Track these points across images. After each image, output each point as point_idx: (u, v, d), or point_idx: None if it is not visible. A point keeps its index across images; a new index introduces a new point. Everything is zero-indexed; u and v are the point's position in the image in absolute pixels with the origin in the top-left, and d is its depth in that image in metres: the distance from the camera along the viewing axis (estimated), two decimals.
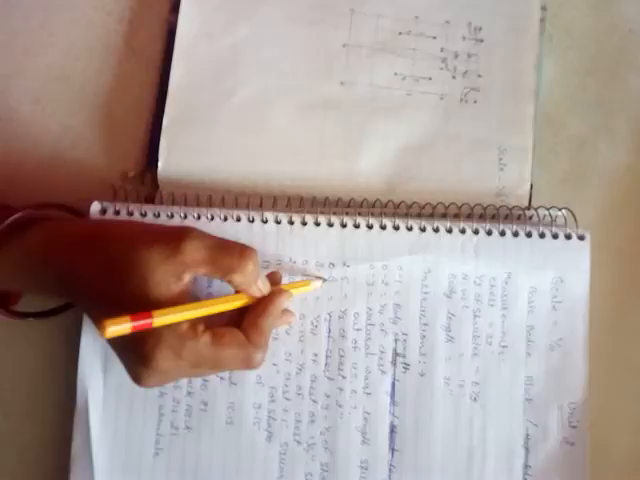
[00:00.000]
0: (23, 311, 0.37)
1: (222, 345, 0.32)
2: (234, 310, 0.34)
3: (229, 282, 0.33)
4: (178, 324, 0.31)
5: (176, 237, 0.32)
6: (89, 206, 0.38)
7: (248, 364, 0.33)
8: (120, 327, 0.29)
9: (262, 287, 0.34)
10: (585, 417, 0.38)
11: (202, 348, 0.32)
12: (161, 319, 0.30)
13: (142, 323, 0.30)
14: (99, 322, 0.29)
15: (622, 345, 0.39)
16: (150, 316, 0.30)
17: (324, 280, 0.38)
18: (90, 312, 0.34)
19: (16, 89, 0.41)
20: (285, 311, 0.36)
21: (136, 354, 0.32)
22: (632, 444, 0.38)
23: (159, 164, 0.40)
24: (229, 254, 0.32)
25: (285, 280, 0.38)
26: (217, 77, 0.41)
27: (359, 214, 0.39)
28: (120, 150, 0.41)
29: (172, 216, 0.39)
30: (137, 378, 0.32)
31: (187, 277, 0.32)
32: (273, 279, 0.36)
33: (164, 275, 0.31)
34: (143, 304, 0.31)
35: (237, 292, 0.34)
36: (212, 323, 0.33)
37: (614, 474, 0.38)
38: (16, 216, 0.35)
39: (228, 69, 0.41)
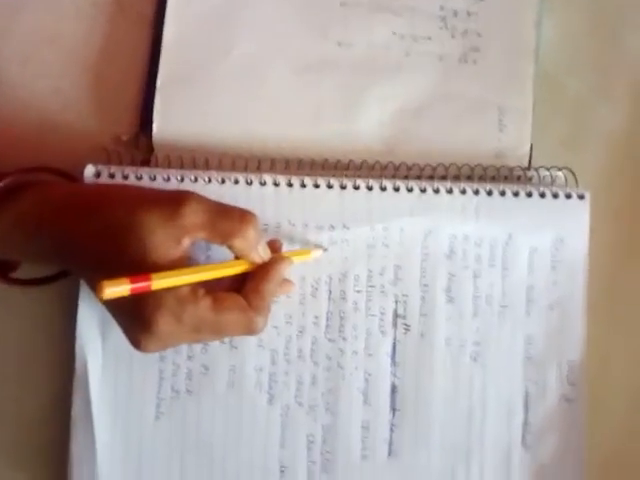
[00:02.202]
0: (19, 278, 0.33)
1: (223, 309, 0.29)
2: (235, 276, 0.31)
3: (229, 247, 0.30)
4: (178, 288, 0.28)
5: (175, 201, 0.29)
6: (82, 170, 0.34)
7: (250, 329, 0.30)
8: (118, 288, 0.26)
9: (263, 253, 0.31)
10: (583, 375, 0.35)
11: (203, 312, 0.29)
12: (160, 282, 0.27)
13: (141, 285, 0.27)
14: (97, 284, 0.26)
15: (620, 304, 0.37)
16: (149, 278, 0.27)
17: (324, 249, 0.34)
18: (87, 277, 0.31)
19: (3, 51, 0.36)
20: (285, 280, 0.33)
21: (135, 318, 0.29)
22: (629, 401, 0.36)
23: (154, 126, 0.36)
24: (229, 218, 0.29)
25: (285, 248, 0.34)
26: (211, 36, 0.36)
27: (359, 176, 0.35)
28: (112, 113, 0.36)
29: (168, 179, 0.34)
30: (137, 343, 0.29)
31: (186, 242, 0.29)
32: (273, 247, 0.33)
33: (163, 239, 0.28)
34: (141, 268, 0.28)
35: (237, 258, 0.31)
36: (212, 289, 0.30)
37: (611, 430, 0.35)
38: (7, 180, 0.31)
39: (222, 28, 0.36)
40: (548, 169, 0.36)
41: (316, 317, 0.35)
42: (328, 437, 0.35)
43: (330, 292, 0.35)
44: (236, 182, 0.35)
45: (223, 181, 0.35)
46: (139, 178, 0.35)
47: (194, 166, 0.36)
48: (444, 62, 0.37)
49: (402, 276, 0.35)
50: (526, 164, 0.37)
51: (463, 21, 0.38)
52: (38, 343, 0.36)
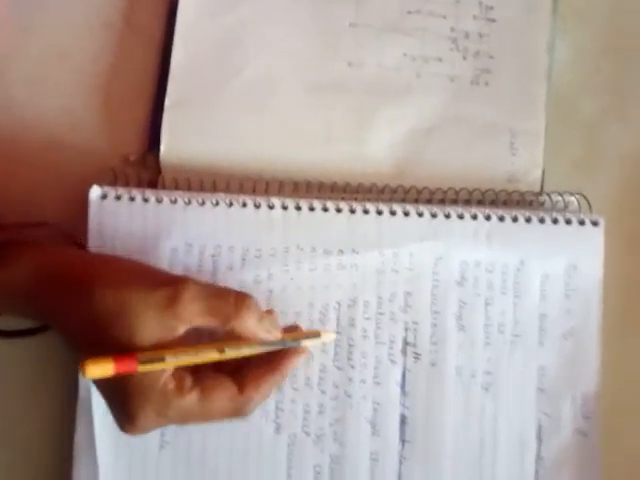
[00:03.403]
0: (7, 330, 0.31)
1: (211, 401, 0.27)
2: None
3: (231, 332, 0.27)
4: (164, 382, 0.26)
5: (172, 288, 0.26)
6: (88, 191, 0.31)
7: (237, 415, 0.28)
8: (102, 369, 0.25)
9: (271, 329, 0.28)
10: (598, 408, 0.32)
11: (189, 406, 0.27)
12: (146, 366, 0.25)
13: (125, 366, 0.25)
14: (80, 362, 0.24)
15: (635, 333, 0.34)
16: (134, 359, 0.25)
17: (336, 333, 0.32)
18: (75, 350, 0.28)
19: (12, 70, 0.34)
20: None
21: (121, 409, 0.27)
22: None
23: (161, 147, 0.33)
24: (225, 304, 0.27)
25: (293, 272, 0.32)
26: (220, 57, 0.34)
27: (368, 199, 0.32)
28: (121, 133, 0.34)
29: (175, 201, 0.32)
30: (121, 428, 0.27)
31: (182, 330, 0.27)
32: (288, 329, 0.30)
33: (157, 327, 0.26)
34: (130, 350, 0.26)
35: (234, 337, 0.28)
36: (201, 371, 0.27)
37: (627, 465, 0.33)
38: (0, 236, 0.29)
39: (231, 49, 0.34)
40: (561, 194, 0.34)
41: (324, 344, 0.33)
42: (336, 468, 0.32)
43: (339, 319, 0.33)
44: (244, 205, 0.33)
45: (231, 204, 0.33)
46: (146, 200, 0.33)
47: (201, 188, 0.34)
48: (455, 84, 0.35)
49: (412, 303, 0.33)
50: (538, 189, 0.34)
51: (475, 42, 0.35)
52: (40, 367, 0.33)
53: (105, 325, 0.26)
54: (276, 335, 0.29)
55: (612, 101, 0.35)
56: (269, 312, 0.30)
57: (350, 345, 0.33)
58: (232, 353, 0.28)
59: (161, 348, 0.26)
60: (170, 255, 0.33)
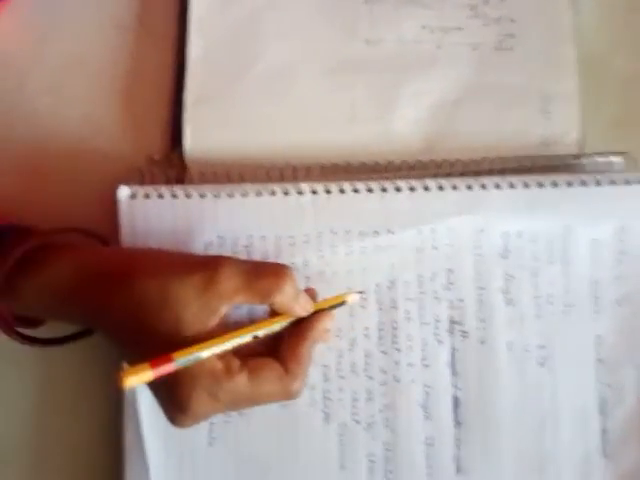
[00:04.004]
0: (37, 337, 0.30)
1: (260, 381, 0.26)
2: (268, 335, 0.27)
3: (270, 306, 0.27)
4: (212, 364, 0.25)
5: (209, 268, 0.26)
6: (116, 192, 0.30)
7: (287, 396, 0.27)
8: (140, 377, 0.24)
9: (306, 305, 0.28)
10: None
11: (240, 388, 0.26)
12: (184, 360, 0.24)
13: (164, 369, 0.24)
14: (123, 369, 0.24)
15: None
16: (171, 359, 0.24)
17: (362, 293, 0.31)
18: (117, 347, 0.28)
19: (31, 81, 0.33)
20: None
21: (171, 399, 0.25)
22: None
23: (185, 143, 0.32)
24: (265, 276, 0.26)
25: (327, 258, 0.31)
26: (236, 48, 0.33)
27: (399, 177, 0.30)
28: (143, 133, 0.33)
29: (204, 195, 0.31)
30: (173, 421, 0.26)
31: (224, 309, 0.26)
32: (309, 296, 0.29)
33: (199, 310, 0.25)
34: (178, 343, 0.25)
35: (273, 315, 0.28)
36: (245, 354, 0.26)
37: None
38: (35, 242, 0.28)
39: (246, 39, 0.33)
40: (603, 154, 0.31)
41: (366, 329, 0.31)
42: (390, 455, 0.30)
43: (379, 302, 0.31)
44: (273, 193, 0.31)
45: (260, 193, 0.31)
46: (174, 196, 0.32)
47: (229, 180, 0.32)
48: (478, 52, 0.33)
49: (455, 280, 0.31)
50: (576, 151, 0.32)
51: (495, 8, 0.34)
52: (87, 373, 0.32)
53: (148, 316, 0.25)
54: (309, 311, 0.28)
55: None
56: (310, 290, 0.29)
57: (394, 328, 0.31)
58: (265, 333, 0.27)
59: (207, 332, 0.25)
60: (204, 249, 0.32)
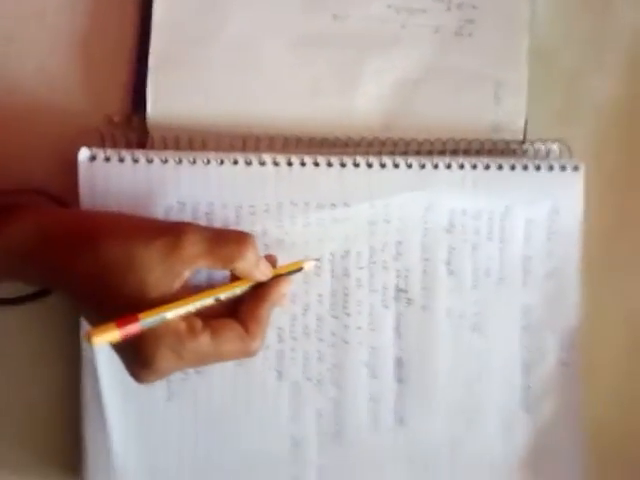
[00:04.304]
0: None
1: (222, 341, 0.27)
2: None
3: (231, 271, 0.28)
4: (176, 324, 0.26)
5: (173, 233, 0.26)
6: (76, 153, 0.30)
7: (247, 354, 0.28)
8: (107, 336, 0.24)
9: (266, 270, 0.29)
10: (578, 340, 0.34)
11: (202, 347, 0.27)
12: (149, 320, 0.25)
13: (130, 329, 0.25)
14: (89, 328, 0.24)
15: (614, 270, 0.35)
16: (137, 319, 0.25)
17: (316, 260, 0.32)
18: (80, 309, 0.28)
19: None
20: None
21: (135, 355, 0.26)
22: (622, 363, 0.35)
23: (147, 107, 0.32)
24: (227, 243, 0.27)
25: (288, 228, 0.32)
26: (203, 13, 0.32)
27: (358, 153, 0.32)
28: (103, 93, 0.32)
29: (166, 161, 0.31)
30: (136, 377, 0.27)
31: (187, 273, 0.27)
32: (269, 261, 0.30)
33: (163, 274, 0.26)
34: (142, 305, 0.25)
35: (234, 279, 0.28)
36: (207, 316, 0.27)
37: (605, 390, 0.34)
38: None
39: (214, 4, 0.33)
40: (543, 142, 0.34)
41: (320, 295, 0.33)
42: (337, 410, 0.33)
43: (333, 270, 0.33)
44: (235, 163, 0.32)
45: (222, 162, 0.32)
46: (136, 160, 0.31)
47: (191, 147, 0.32)
48: (440, 35, 0.34)
49: (403, 251, 0.33)
50: (521, 137, 0.34)
51: None
52: (44, 333, 0.33)
53: (113, 278, 0.26)
54: (269, 276, 0.29)
55: (591, 51, 0.35)
56: (270, 257, 0.30)
57: (345, 295, 0.33)
58: (227, 296, 0.28)
59: (171, 295, 0.26)
60: (164, 215, 0.32)
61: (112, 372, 0.32)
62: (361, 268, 0.33)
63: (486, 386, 0.34)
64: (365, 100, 0.34)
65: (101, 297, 0.26)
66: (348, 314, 0.33)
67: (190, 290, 0.27)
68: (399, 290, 0.33)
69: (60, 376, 0.33)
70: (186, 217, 0.32)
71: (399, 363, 0.33)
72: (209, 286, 0.29)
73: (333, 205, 0.33)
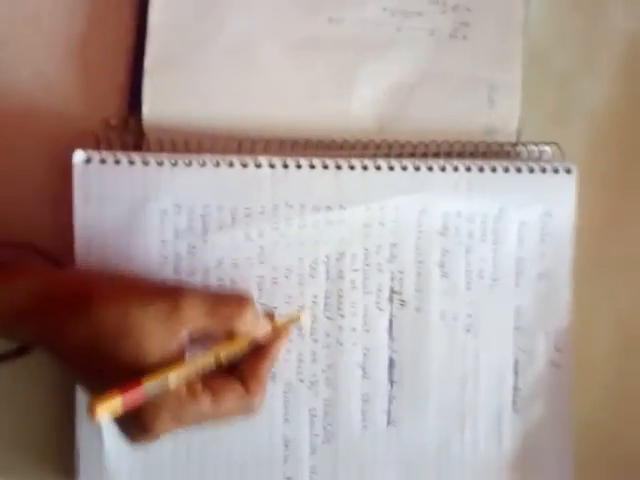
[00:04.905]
0: None
1: (222, 402, 0.26)
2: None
3: (231, 332, 0.27)
4: (176, 388, 0.25)
5: (171, 296, 0.26)
6: (71, 157, 0.30)
7: (248, 413, 0.28)
8: (111, 405, 0.23)
9: (264, 328, 0.28)
10: (569, 341, 0.34)
11: (203, 409, 0.26)
12: (153, 386, 0.24)
13: (134, 396, 0.24)
14: (89, 400, 0.23)
15: (605, 273, 0.35)
16: (140, 384, 0.24)
17: (310, 308, 0.32)
18: (77, 379, 0.27)
19: None
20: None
21: (133, 421, 0.25)
22: (613, 364, 0.35)
23: (143, 109, 0.32)
24: (226, 304, 0.27)
25: (283, 231, 0.31)
26: (199, 14, 0.32)
27: (353, 156, 0.32)
28: (99, 96, 0.32)
29: (162, 163, 0.31)
30: (132, 440, 0.26)
31: (186, 335, 0.26)
32: (268, 318, 0.30)
33: (161, 339, 0.25)
34: (141, 370, 0.24)
35: (228, 338, 0.28)
36: (206, 375, 0.27)
37: (595, 391, 0.34)
38: None
39: (210, 5, 0.32)
40: (536, 144, 0.34)
41: (315, 296, 0.33)
42: (329, 410, 0.33)
43: (328, 272, 0.33)
44: (231, 165, 0.32)
45: (218, 164, 0.32)
46: (131, 163, 0.31)
47: (187, 149, 0.32)
48: (435, 37, 0.34)
49: (397, 253, 0.33)
50: (515, 140, 0.34)
51: None
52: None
53: (108, 343, 0.25)
54: (268, 331, 0.28)
55: (584, 53, 0.35)
56: (269, 314, 0.30)
57: (340, 296, 0.33)
58: (227, 355, 0.27)
59: (169, 358, 0.25)
60: (159, 217, 0.32)
61: None
62: (356, 270, 0.33)
63: (477, 387, 0.34)
64: (360, 103, 0.34)
65: (95, 363, 0.25)
66: (342, 315, 0.33)
67: (188, 355, 0.27)
68: (393, 292, 0.33)
69: (54, 379, 0.32)
70: (182, 219, 0.32)
71: (392, 364, 0.33)
72: (205, 346, 0.28)
73: (329, 207, 0.32)
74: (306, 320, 0.32)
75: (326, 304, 0.33)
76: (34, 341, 0.27)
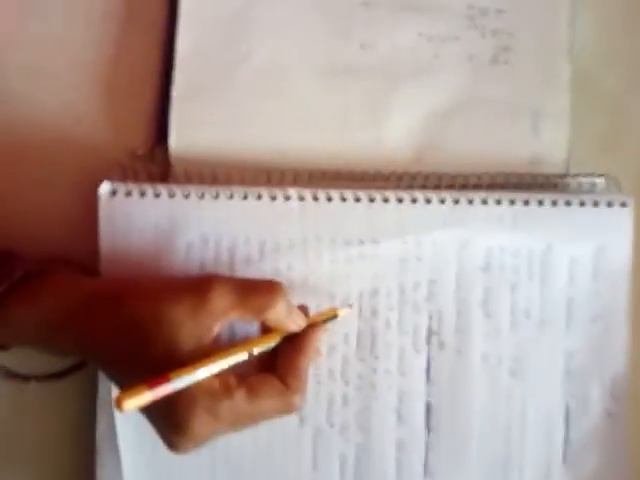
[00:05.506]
0: (31, 374, 0.29)
1: (260, 398, 0.25)
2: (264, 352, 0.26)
3: (263, 322, 0.26)
4: (209, 383, 0.24)
5: (201, 287, 0.25)
6: (97, 188, 0.28)
7: (289, 411, 0.26)
8: (138, 399, 0.22)
9: (299, 320, 0.27)
10: (626, 389, 0.30)
11: (239, 405, 0.24)
12: (181, 380, 0.23)
13: (161, 390, 0.23)
14: (119, 392, 0.22)
15: None
16: (168, 379, 0.23)
17: (350, 305, 0.30)
18: (111, 373, 0.26)
19: (9, 62, 0.30)
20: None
21: (168, 421, 0.24)
22: None
23: (170, 139, 0.30)
24: (258, 293, 0.25)
25: (312, 265, 0.30)
26: (227, 43, 0.31)
27: (387, 187, 0.29)
28: (126, 126, 0.31)
29: (188, 195, 0.29)
30: (172, 446, 0.25)
31: (217, 327, 0.25)
32: (301, 311, 0.28)
33: (193, 330, 0.24)
34: (173, 365, 0.23)
35: (266, 331, 0.27)
36: (243, 372, 0.25)
37: None
38: (16, 277, 0.26)
39: (238, 33, 0.31)
40: (587, 175, 0.31)
41: (346, 335, 0.31)
42: (361, 457, 0.30)
43: (360, 309, 0.30)
44: (259, 197, 0.30)
45: (246, 197, 0.30)
46: (157, 195, 0.30)
47: (214, 181, 0.30)
48: (474, 63, 0.32)
49: (436, 291, 0.30)
50: (563, 170, 0.31)
51: (492, 20, 0.32)
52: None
53: (142, 338, 0.24)
54: (302, 326, 0.27)
55: (635, 77, 0.32)
56: (302, 307, 0.28)
57: (373, 335, 0.31)
58: (260, 350, 0.26)
59: (201, 352, 0.24)
60: (186, 250, 0.30)
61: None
62: (390, 308, 0.31)
63: (523, 437, 0.31)
64: (395, 132, 0.32)
65: (131, 359, 0.24)
66: (376, 357, 0.31)
67: (221, 345, 0.25)
68: (431, 332, 0.31)
69: (75, 411, 0.31)
70: (209, 252, 0.30)
71: (429, 410, 0.31)
72: (240, 340, 0.27)
73: (361, 241, 0.30)
74: (344, 315, 0.29)
75: (358, 344, 0.31)
76: (72, 351, 0.27)
